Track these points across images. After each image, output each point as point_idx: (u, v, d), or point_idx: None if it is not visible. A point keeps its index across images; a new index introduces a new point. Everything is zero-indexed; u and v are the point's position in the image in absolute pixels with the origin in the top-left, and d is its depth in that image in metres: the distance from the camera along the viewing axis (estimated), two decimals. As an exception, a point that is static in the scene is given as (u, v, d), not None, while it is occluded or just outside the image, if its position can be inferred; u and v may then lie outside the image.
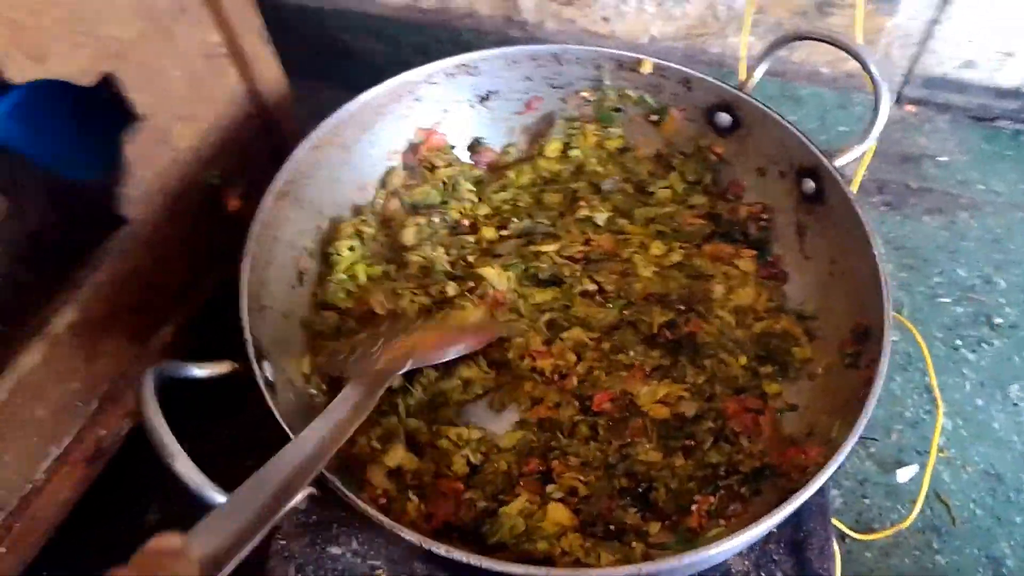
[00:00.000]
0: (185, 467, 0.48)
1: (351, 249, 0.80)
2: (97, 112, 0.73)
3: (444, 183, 0.87)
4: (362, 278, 0.80)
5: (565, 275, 0.81)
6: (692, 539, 0.66)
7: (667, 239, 0.84)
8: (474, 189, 0.88)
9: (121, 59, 0.65)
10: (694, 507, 0.67)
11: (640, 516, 0.68)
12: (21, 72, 0.56)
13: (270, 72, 0.82)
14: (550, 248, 0.83)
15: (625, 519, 0.67)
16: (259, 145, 0.84)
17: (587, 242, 0.84)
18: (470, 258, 0.82)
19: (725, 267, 0.82)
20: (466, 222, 0.87)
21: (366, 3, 1.21)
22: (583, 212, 0.86)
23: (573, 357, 0.75)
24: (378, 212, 0.85)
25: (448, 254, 0.82)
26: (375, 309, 0.77)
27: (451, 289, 0.78)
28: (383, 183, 0.86)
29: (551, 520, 0.66)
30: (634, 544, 0.65)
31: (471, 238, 0.85)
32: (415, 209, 0.86)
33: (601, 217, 0.85)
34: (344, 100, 0.80)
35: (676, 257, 0.83)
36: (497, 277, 0.79)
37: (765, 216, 0.84)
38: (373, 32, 1.22)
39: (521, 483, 0.68)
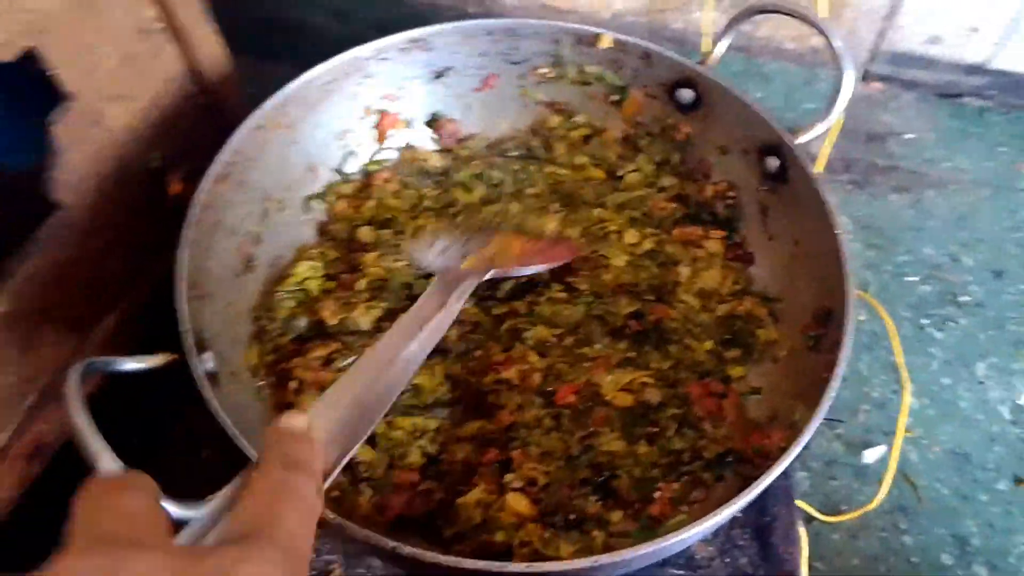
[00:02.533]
0: (112, 467, 0.44)
1: (312, 269, 0.77)
2: (28, 93, 0.69)
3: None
4: (314, 290, 0.77)
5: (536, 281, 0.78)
6: (655, 527, 0.64)
7: (639, 225, 0.82)
8: (434, 196, 0.85)
9: (44, 33, 0.61)
10: (657, 494, 0.66)
11: (601, 505, 0.66)
12: (-72, 46, 0.52)
13: (211, 49, 0.79)
14: None
15: (586, 508, 0.65)
16: (202, 126, 0.81)
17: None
18: None
19: (694, 250, 0.81)
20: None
21: (319, -21, 1.17)
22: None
23: (536, 357, 0.73)
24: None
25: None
26: (326, 320, 0.74)
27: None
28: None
29: (510, 510, 0.64)
30: (595, 533, 0.64)
31: None
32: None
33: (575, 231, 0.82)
34: (295, 78, 0.76)
35: (648, 245, 0.81)
36: None
37: (731, 194, 0.82)
38: (325, 7, 1.18)
39: (479, 472, 0.66)
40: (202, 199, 0.67)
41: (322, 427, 0.46)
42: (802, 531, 0.71)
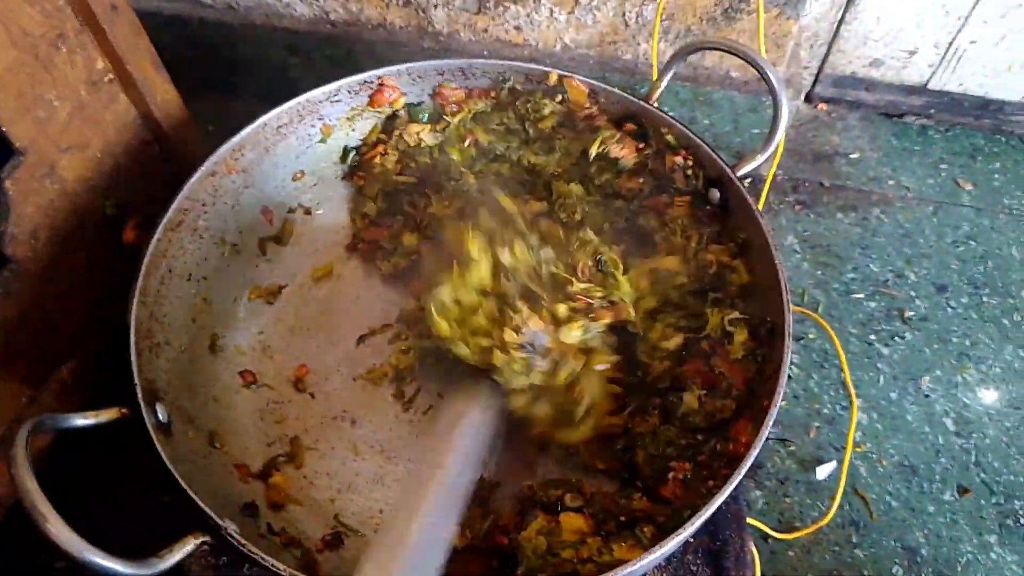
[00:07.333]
0: (58, 531, 0.45)
1: None
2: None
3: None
4: None
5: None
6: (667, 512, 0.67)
7: (610, 200, 0.84)
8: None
9: (-8, 92, 0.62)
10: (670, 474, 0.68)
11: (634, 494, 0.69)
12: None
13: (164, 96, 0.79)
14: None
15: (632, 506, 0.68)
16: (157, 172, 0.81)
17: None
18: None
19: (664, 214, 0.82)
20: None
21: (275, 17, 1.18)
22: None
23: None
24: None
25: None
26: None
27: None
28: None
29: (568, 529, 0.66)
30: (645, 529, 0.65)
31: None
32: None
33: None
34: (257, 113, 0.78)
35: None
36: None
37: (691, 163, 0.81)
38: (284, 45, 1.19)
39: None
40: (153, 248, 0.68)
41: None
42: (755, 552, 0.73)
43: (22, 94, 0.65)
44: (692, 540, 0.71)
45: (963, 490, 0.93)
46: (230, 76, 1.25)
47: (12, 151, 0.66)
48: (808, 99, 1.31)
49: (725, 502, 0.61)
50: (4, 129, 0.64)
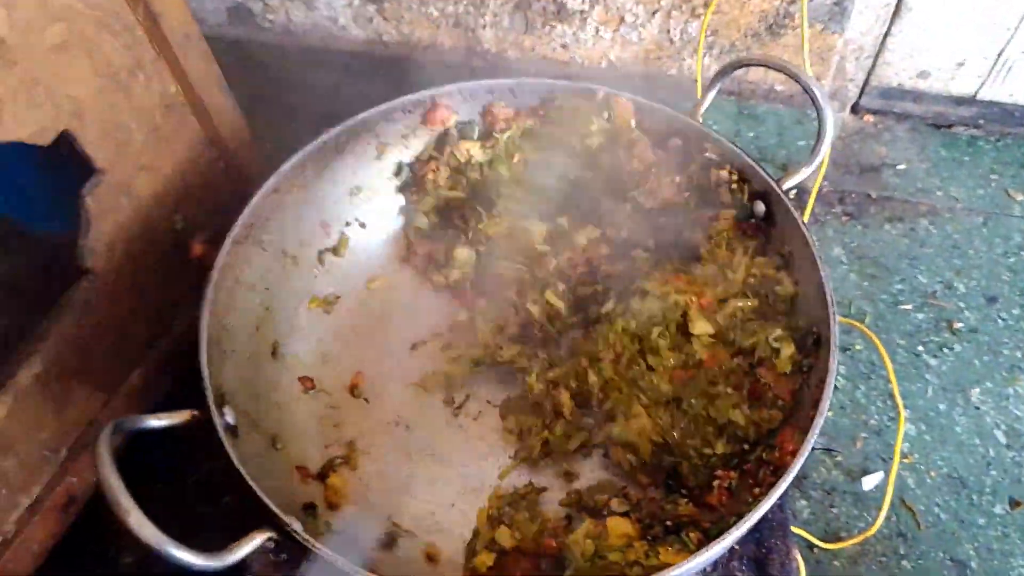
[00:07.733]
0: (140, 523, 0.49)
1: None
2: (62, 162, 0.74)
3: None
4: None
5: None
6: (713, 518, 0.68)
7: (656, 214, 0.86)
8: None
9: (78, 117, 0.67)
10: (716, 482, 0.70)
11: (680, 499, 0.71)
12: (-24, 138, 0.58)
13: (230, 118, 0.84)
14: None
15: (678, 511, 0.70)
16: (223, 189, 0.86)
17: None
18: None
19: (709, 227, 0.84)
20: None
21: (329, 39, 1.23)
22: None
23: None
24: None
25: None
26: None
27: None
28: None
29: (615, 533, 0.68)
30: (691, 534, 0.67)
31: None
32: None
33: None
34: (310, 134, 0.81)
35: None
36: None
37: (736, 178, 0.82)
38: (338, 66, 1.24)
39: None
40: (222, 261, 0.72)
41: None
42: (800, 561, 0.74)
43: (104, 119, 0.70)
44: (738, 547, 0.72)
45: (1015, 503, 0.92)
46: (287, 96, 1.30)
47: (93, 171, 0.71)
48: (854, 111, 1.31)
49: (771, 510, 0.63)
50: (87, 151, 0.69)
